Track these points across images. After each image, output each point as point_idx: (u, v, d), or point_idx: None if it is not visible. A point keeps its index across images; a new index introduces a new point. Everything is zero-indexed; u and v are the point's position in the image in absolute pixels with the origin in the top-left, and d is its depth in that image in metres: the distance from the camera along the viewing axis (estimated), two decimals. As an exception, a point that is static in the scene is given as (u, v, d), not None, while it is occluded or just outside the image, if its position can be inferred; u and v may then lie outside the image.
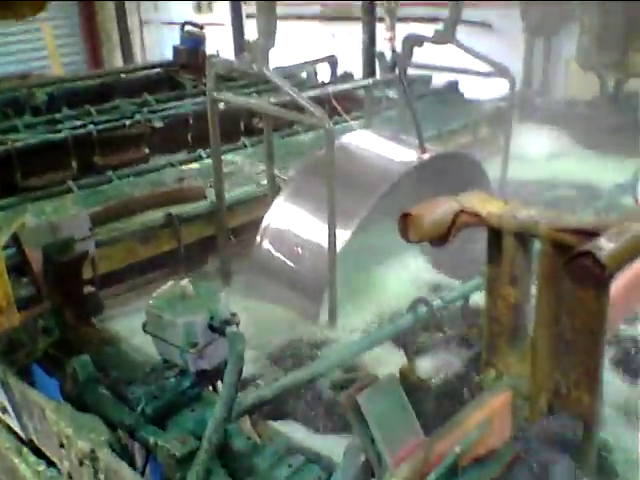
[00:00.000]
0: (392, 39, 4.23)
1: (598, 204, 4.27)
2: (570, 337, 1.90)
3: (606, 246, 1.54)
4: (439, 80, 7.17)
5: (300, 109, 3.64)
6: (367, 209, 3.75)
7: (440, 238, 1.92)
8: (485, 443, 1.78)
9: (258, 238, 4.11)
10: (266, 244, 4.07)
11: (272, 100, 4.08)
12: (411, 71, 6.51)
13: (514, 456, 1.75)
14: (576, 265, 1.55)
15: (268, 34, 3.45)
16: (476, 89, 6.85)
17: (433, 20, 8.68)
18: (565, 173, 6.04)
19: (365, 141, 4.37)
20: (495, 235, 1.93)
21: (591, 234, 1.68)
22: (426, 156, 4.02)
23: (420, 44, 6.08)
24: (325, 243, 3.61)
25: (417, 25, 7.98)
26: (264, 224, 4.10)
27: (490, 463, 1.70)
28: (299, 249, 3.90)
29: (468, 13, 5.79)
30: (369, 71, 8.66)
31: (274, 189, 4.17)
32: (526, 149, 6.21)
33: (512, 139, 5.65)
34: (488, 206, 1.92)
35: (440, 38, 5.01)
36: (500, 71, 4.89)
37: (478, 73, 5.59)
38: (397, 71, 4.50)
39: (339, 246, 3.65)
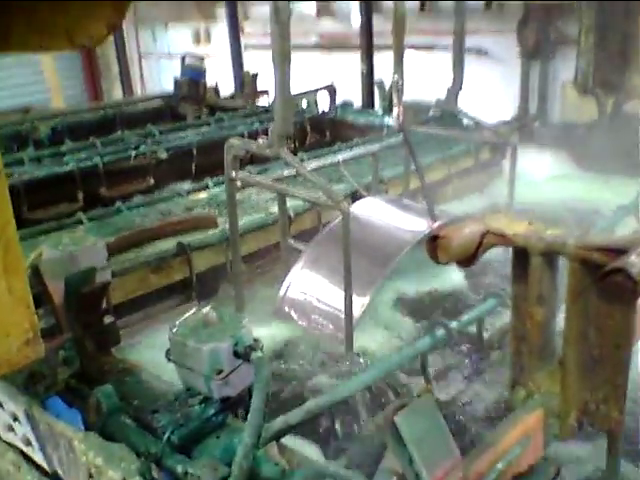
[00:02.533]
0: (399, 114, 4.40)
1: (602, 225, 4.31)
2: (598, 354, 1.92)
3: (637, 262, 1.57)
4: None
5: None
6: (383, 277, 3.96)
7: (467, 259, 1.95)
8: (520, 461, 1.78)
9: (277, 305, 4.24)
10: (285, 310, 4.21)
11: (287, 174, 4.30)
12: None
13: (556, 471, 1.76)
14: (608, 282, 1.58)
15: (284, 119, 3.63)
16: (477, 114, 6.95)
17: (429, 48, 8.89)
18: (566, 195, 6.10)
19: (376, 210, 4.54)
20: (521, 255, 1.96)
21: (619, 252, 1.71)
22: (437, 224, 4.11)
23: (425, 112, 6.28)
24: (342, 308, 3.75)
25: (413, 52, 8.16)
26: (281, 293, 4.25)
27: (535, 478, 1.71)
28: (318, 317, 4.05)
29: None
30: (368, 100, 8.81)
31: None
32: (526, 172, 6.27)
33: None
34: (513, 227, 1.96)
35: (442, 105, 5.17)
36: (503, 137, 5.08)
37: (480, 139, 5.75)
38: (402, 137, 4.66)
39: (358, 312, 3.82)
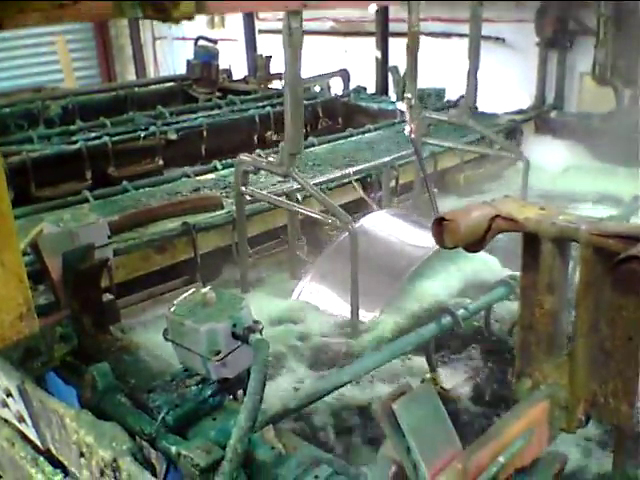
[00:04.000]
0: (412, 131, 4.44)
1: (616, 215, 4.22)
2: (609, 345, 1.84)
3: (654, 250, 1.49)
4: (453, 94, 7.17)
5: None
6: (391, 294, 3.97)
7: (475, 244, 1.87)
8: (523, 454, 1.71)
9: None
10: None
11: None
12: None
13: (562, 465, 1.69)
14: (622, 270, 1.50)
15: (295, 139, 3.67)
16: (491, 103, 6.84)
17: (446, 35, 8.76)
18: (581, 185, 6.00)
19: (385, 225, 4.53)
20: (531, 241, 1.88)
21: (635, 239, 1.63)
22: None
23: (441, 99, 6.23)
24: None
25: (430, 39, 8.03)
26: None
27: (539, 472, 1.64)
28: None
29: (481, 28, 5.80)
30: (382, 85, 8.71)
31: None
32: (541, 161, 6.16)
33: (527, 152, 5.65)
34: (524, 211, 1.87)
35: (455, 119, 5.14)
36: (514, 153, 5.02)
37: (490, 154, 5.71)
38: (415, 151, 4.72)
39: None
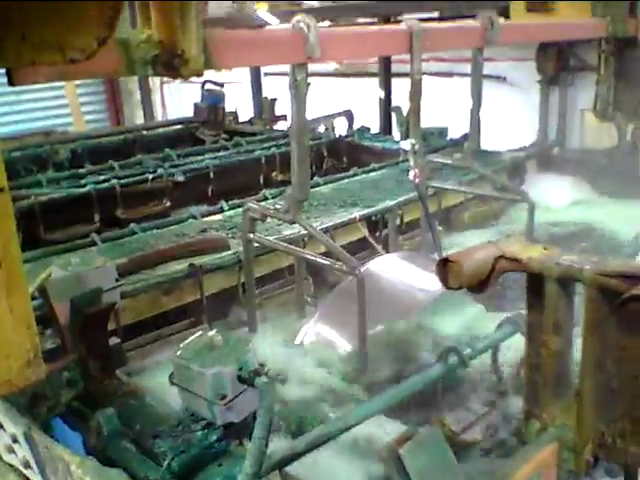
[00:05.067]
0: (416, 176, 4.53)
1: (622, 251, 4.22)
2: (616, 385, 1.83)
3: (658, 289, 1.49)
4: (455, 133, 7.25)
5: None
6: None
7: (480, 284, 1.88)
8: (533, 499, 1.69)
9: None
10: None
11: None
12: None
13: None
14: (628, 310, 1.50)
15: (301, 185, 3.72)
16: (494, 141, 6.91)
17: (447, 75, 8.89)
18: (586, 221, 6.00)
19: (392, 267, 4.55)
20: (536, 281, 1.88)
21: (639, 278, 1.63)
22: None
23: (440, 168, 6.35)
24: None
25: (431, 79, 8.16)
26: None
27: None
28: None
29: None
30: (385, 125, 8.81)
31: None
32: (545, 198, 6.19)
33: (531, 188, 5.67)
34: (528, 251, 1.89)
35: (460, 163, 5.23)
36: (519, 195, 5.08)
37: (495, 197, 5.73)
38: (419, 196, 4.80)
39: None
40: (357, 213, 5.11)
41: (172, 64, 2.40)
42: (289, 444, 2.35)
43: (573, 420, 1.89)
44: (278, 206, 3.96)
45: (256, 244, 4.21)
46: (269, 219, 4.54)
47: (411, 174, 4.55)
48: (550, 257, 1.84)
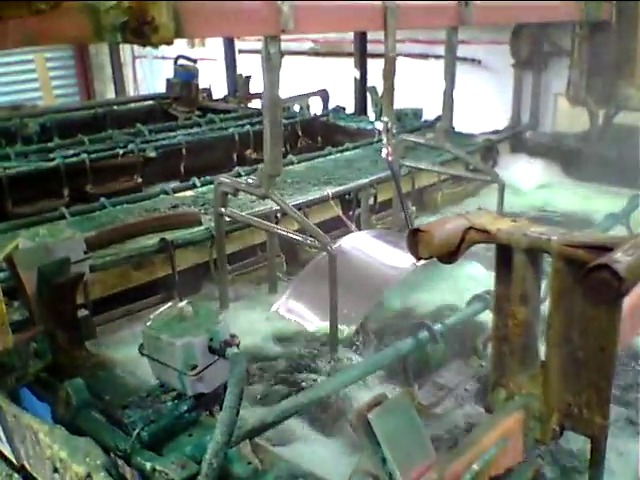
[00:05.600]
0: (389, 153, 4.53)
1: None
2: (582, 356, 1.86)
3: (623, 259, 1.52)
4: (430, 115, 7.27)
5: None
6: (367, 311, 3.99)
7: (449, 255, 1.90)
8: (498, 464, 1.72)
9: None
10: None
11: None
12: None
13: (535, 473, 1.70)
14: (593, 278, 1.53)
15: (274, 160, 3.69)
16: (467, 123, 6.95)
17: (423, 57, 8.90)
18: (556, 204, 6.10)
19: (364, 245, 4.59)
20: (504, 253, 1.91)
21: (605, 249, 1.66)
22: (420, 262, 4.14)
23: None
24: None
25: (407, 60, 8.15)
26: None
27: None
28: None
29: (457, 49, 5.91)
30: (360, 105, 8.80)
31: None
32: (516, 180, 6.27)
33: (503, 171, 5.73)
34: (497, 223, 1.91)
35: (433, 141, 5.25)
36: (490, 175, 5.13)
37: (466, 177, 5.82)
38: (392, 173, 4.80)
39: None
40: (330, 190, 5.11)
41: (142, 31, 2.35)
42: (259, 416, 2.36)
43: (539, 390, 1.93)
44: (250, 181, 3.94)
45: (228, 219, 4.19)
46: (242, 195, 4.52)
47: (384, 151, 4.55)
48: (518, 229, 1.86)
